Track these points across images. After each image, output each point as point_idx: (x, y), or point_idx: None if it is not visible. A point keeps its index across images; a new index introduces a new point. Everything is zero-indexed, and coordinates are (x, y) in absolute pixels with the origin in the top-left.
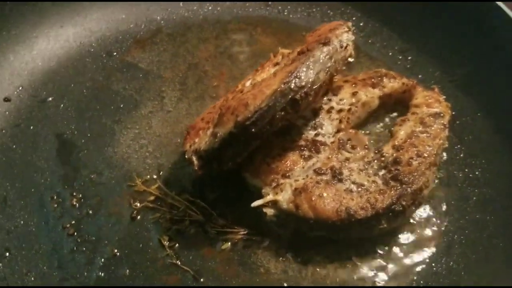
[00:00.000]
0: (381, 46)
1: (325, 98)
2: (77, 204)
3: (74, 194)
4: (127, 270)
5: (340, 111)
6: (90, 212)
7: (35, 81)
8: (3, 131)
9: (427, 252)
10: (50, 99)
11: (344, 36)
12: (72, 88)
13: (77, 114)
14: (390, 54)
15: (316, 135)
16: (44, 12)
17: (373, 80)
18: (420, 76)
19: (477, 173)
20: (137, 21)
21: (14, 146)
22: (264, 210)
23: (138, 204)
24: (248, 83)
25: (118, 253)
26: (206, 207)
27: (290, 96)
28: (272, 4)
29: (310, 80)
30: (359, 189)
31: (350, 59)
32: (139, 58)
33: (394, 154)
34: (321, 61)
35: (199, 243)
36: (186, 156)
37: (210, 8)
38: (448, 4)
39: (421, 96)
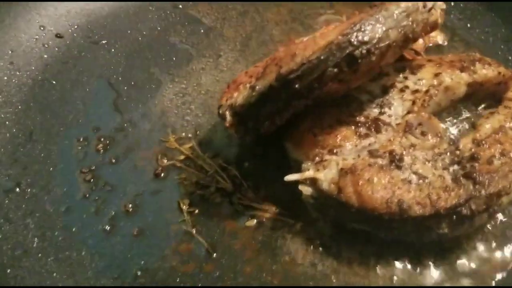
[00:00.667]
0: (481, 32)
1: (400, 75)
2: (102, 150)
3: (102, 139)
4: (136, 229)
5: (415, 91)
6: (113, 160)
7: (92, 22)
8: (48, 66)
9: (496, 274)
10: (104, 42)
11: None
12: (128, 34)
13: (126, 60)
14: (491, 41)
15: (381, 114)
16: None
17: (463, 63)
18: None
19: None
20: None
21: (54, 83)
22: (300, 187)
23: (165, 161)
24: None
25: (131, 209)
26: (238, 176)
27: (347, 51)
28: None
29: (377, 36)
30: (420, 181)
31: (440, 41)
32: (204, 13)
33: (473, 149)
34: (395, 17)
35: (221, 214)
36: (219, 111)
37: None
38: None
39: None
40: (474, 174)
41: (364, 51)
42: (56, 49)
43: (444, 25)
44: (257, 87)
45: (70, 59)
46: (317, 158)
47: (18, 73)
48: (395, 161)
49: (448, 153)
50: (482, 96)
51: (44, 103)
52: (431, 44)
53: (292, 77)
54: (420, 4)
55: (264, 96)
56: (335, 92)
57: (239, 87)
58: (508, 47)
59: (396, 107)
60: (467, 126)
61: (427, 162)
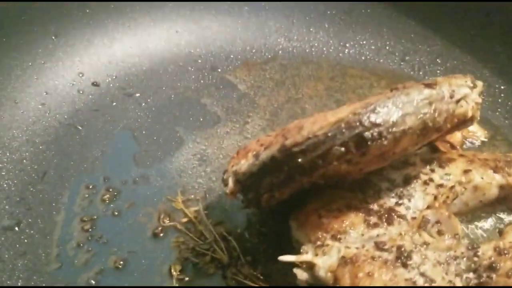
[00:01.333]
0: None
1: (427, 167)
2: (108, 201)
3: (110, 190)
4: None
5: (440, 186)
6: (116, 213)
7: (130, 75)
8: (79, 111)
9: None
10: (137, 95)
11: (461, 88)
12: (162, 90)
13: (154, 115)
14: None
15: (398, 204)
16: (165, 12)
17: (497, 163)
18: None
19: None
20: (255, 45)
21: (80, 128)
22: (295, 271)
23: (167, 222)
24: None
25: (120, 266)
26: (237, 249)
27: (357, 131)
28: (408, 60)
29: (391, 119)
30: (427, 284)
31: (481, 137)
32: (241, 79)
33: (493, 258)
34: (415, 103)
35: (211, 286)
36: (223, 177)
37: (336, 48)
38: None
39: None
40: (489, 286)
41: (375, 134)
42: (90, 96)
43: (487, 121)
44: (261, 156)
45: (101, 107)
46: (318, 242)
47: (47, 114)
48: (402, 257)
49: (465, 259)
50: None
51: (64, 146)
52: (470, 140)
53: (295, 150)
54: (447, 93)
55: (266, 167)
56: (347, 173)
57: (248, 154)
58: None
59: (416, 200)
60: (493, 233)
61: (438, 265)
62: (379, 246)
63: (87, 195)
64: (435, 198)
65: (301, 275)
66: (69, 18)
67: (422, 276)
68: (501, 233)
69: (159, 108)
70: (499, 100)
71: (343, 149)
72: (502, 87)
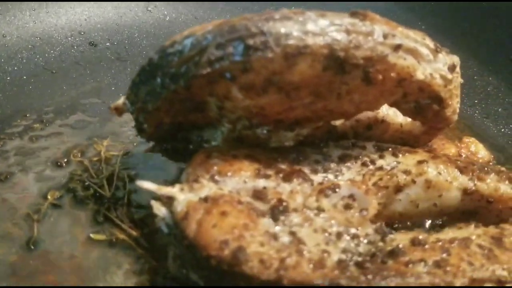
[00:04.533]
0: None
1: (376, 153)
2: (36, 130)
3: (43, 122)
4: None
5: (379, 169)
6: (34, 140)
7: (131, 43)
8: (63, 62)
9: None
10: (128, 62)
11: (407, 39)
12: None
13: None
14: None
15: (313, 172)
16: None
17: (471, 166)
18: None
19: None
20: None
21: (54, 72)
22: (153, 203)
23: (78, 156)
24: None
25: (4, 179)
26: (127, 190)
27: (238, 35)
28: None
29: (284, 31)
30: (291, 244)
31: (485, 158)
32: None
33: (401, 246)
34: (326, 25)
35: (81, 217)
36: None
37: None
38: None
39: None
40: (369, 264)
41: (258, 42)
42: (82, 53)
43: (502, 148)
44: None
45: (86, 63)
46: (193, 180)
47: (30, 55)
48: (275, 210)
49: (367, 241)
50: (490, 222)
51: (30, 83)
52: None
53: (171, 51)
54: (380, 32)
55: (144, 72)
56: (248, 113)
57: None
58: None
59: (342, 177)
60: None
61: (321, 233)
62: (256, 194)
63: (19, 120)
64: (363, 176)
65: (157, 208)
66: None
67: (291, 235)
68: (437, 231)
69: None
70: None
71: (219, 52)
72: None
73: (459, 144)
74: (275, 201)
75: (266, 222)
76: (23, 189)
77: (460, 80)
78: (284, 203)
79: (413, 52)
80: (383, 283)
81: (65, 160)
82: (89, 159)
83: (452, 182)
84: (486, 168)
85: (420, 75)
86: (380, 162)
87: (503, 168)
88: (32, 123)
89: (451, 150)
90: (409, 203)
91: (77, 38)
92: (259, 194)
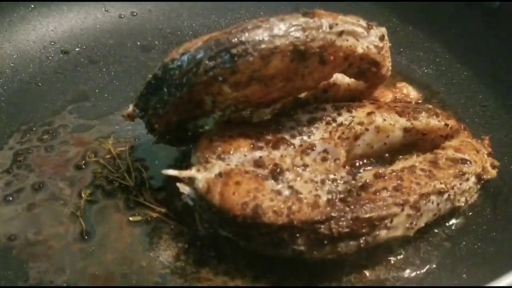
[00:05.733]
0: (464, 97)
1: (335, 112)
2: (44, 140)
3: (50, 132)
4: (30, 205)
5: (340, 125)
6: (48, 149)
7: (99, 46)
8: (44, 73)
9: None
10: (101, 63)
11: (347, 24)
12: (125, 60)
13: (112, 79)
14: (469, 105)
15: (292, 136)
16: None
17: (406, 109)
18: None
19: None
20: (222, 24)
21: (40, 85)
22: (178, 185)
23: (93, 156)
24: None
25: (38, 188)
26: (145, 178)
27: (223, 47)
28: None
29: (257, 38)
30: (291, 195)
31: (413, 97)
32: None
33: (368, 180)
34: (286, 27)
35: (113, 207)
36: None
37: None
38: None
39: (459, 140)
40: (349, 198)
41: (240, 50)
42: (57, 62)
43: (427, 86)
44: (148, 77)
45: (64, 71)
46: (204, 162)
47: (13, 72)
48: (274, 172)
49: (343, 182)
50: (428, 147)
51: (21, 98)
52: (400, 100)
53: (172, 66)
54: (326, 24)
55: (150, 86)
56: (237, 102)
57: None
58: (483, 111)
59: (314, 136)
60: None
61: (310, 182)
62: (256, 163)
63: (28, 135)
64: (330, 133)
65: (183, 188)
66: None
67: (290, 188)
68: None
69: (117, 73)
70: (442, 69)
71: (212, 63)
72: (446, 57)
73: (394, 90)
74: (272, 166)
75: (270, 183)
76: (59, 193)
77: (388, 44)
78: (279, 166)
79: (352, 33)
80: (362, 210)
81: (83, 162)
82: (103, 157)
83: (394, 125)
84: (417, 109)
85: (360, 49)
86: (339, 119)
87: (430, 106)
88: (41, 135)
89: (389, 96)
90: (365, 146)
91: (50, 49)
92: (258, 163)
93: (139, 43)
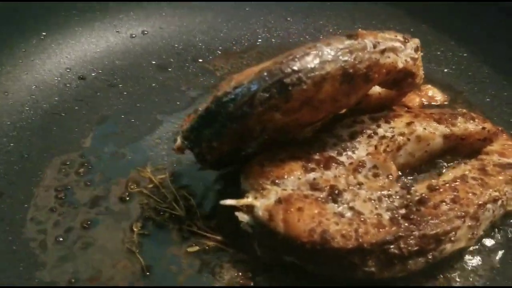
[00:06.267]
0: (488, 95)
1: (374, 124)
2: (82, 174)
3: (85, 165)
4: (85, 244)
5: (382, 137)
6: (88, 183)
7: (115, 68)
8: (65, 101)
9: None
10: (120, 86)
11: (387, 41)
12: (144, 80)
13: (134, 102)
14: (495, 104)
15: (339, 154)
16: (149, 11)
17: (442, 115)
18: None
19: None
20: (235, 36)
21: (64, 115)
22: (237, 214)
23: (135, 187)
24: None
25: (87, 225)
26: (194, 206)
27: (277, 78)
28: None
29: (309, 66)
30: (354, 216)
31: (438, 99)
32: (219, 67)
33: (424, 194)
34: (334, 52)
35: (168, 239)
36: (175, 138)
37: (313, 35)
38: None
39: (500, 143)
40: (415, 216)
41: (294, 79)
42: (76, 88)
43: (449, 87)
44: (199, 111)
45: (85, 97)
46: (260, 188)
47: (34, 104)
48: (333, 195)
49: (398, 196)
50: (466, 152)
51: (48, 130)
52: (427, 102)
53: (225, 99)
54: (370, 44)
55: (203, 119)
56: (286, 126)
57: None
58: (511, 109)
59: (360, 151)
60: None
61: (369, 201)
62: (313, 186)
63: (63, 170)
64: (376, 147)
65: (242, 217)
66: (57, 18)
67: (351, 210)
68: (439, 174)
69: (139, 96)
70: (462, 67)
71: (266, 94)
72: (465, 55)
73: (419, 93)
74: (328, 188)
75: (330, 206)
76: (109, 229)
77: (420, 54)
78: (336, 187)
79: (392, 50)
80: (428, 227)
81: (126, 194)
82: (145, 187)
83: (434, 133)
84: (453, 114)
85: (400, 64)
86: (380, 131)
87: (464, 110)
88: (77, 168)
89: (416, 99)
90: (407, 156)
91: (66, 76)
92: (314, 185)
93: (154, 62)
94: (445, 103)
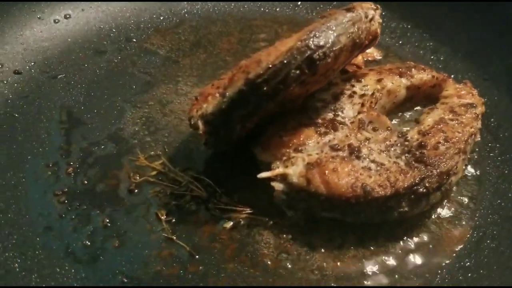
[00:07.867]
0: (412, 46)
1: (347, 84)
2: (73, 174)
3: (71, 163)
4: (116, 241)
5: (363, 95)
6: (85, 182)
7: (48, 58)
8: (9, 101)
9: (455, 247)
10: (62, 76)
11: (370, 10)
12: (86, 67)
13: (86, 91)
14: (422, 53)
15: (336, 116)
16: None
17: (400, 70)
18: (452, 75)
19: None
20: (160, 12)
21: (17, 115)
22: (273, 184)
23: (138, 178)
24: None
25: (109, 224)
26: (211, 184)
27: (307, 54)
28: (300, 4)
29: (330, 41)
30: (379, 167)
31: (377, 56)
32: (159, 45)
33: (420, 139)
34: (343, 25)
35: (199, 220)
36: (191, 122)
37: (236, 5)
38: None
39: (452, 88)
40: (425, 158)
41: (321, 54)
42: (15, 84)
43: (379, 44)
44: (227, 93)
45: (29, 93)
46: (284, 157)
47: None
48: (354, 152)
49: (399, 144)
50: (420, 99)
51: (8, 135)
52: (369, 59)
53: (259, 81)
54: (363, 14)
55: (235, 102)
56: (297, 97)
57: (208, 98)
58: (437, 57)
59: (347, 110)
60: (413, 121)
61: (381, 152)
62: (333, 147)
63: (50, 172)
64: (362, 105)
65: (278, 186)
66: None
67: (373, 162)
68: (418, 121)
69: (88, 84)
70: (383, 24)
71: (298, 71)
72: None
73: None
74: (346, 147)
75: (356, 162)
76: (133, 223)
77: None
78: (352, 145)
79: (373, 18)
80: (442, 165)
81: (134, 185)
82: (149, 175)
83: (400, 85)
84: (408, 67)
85: (378, 29)
86: (357, 90)
87: (413, 63)
88: (66, 168)
89: (359, 58)
90: (381, 109)
91: (0, 73)
92: (334, 147)
93: (86, 46)
94: (381, 57)
